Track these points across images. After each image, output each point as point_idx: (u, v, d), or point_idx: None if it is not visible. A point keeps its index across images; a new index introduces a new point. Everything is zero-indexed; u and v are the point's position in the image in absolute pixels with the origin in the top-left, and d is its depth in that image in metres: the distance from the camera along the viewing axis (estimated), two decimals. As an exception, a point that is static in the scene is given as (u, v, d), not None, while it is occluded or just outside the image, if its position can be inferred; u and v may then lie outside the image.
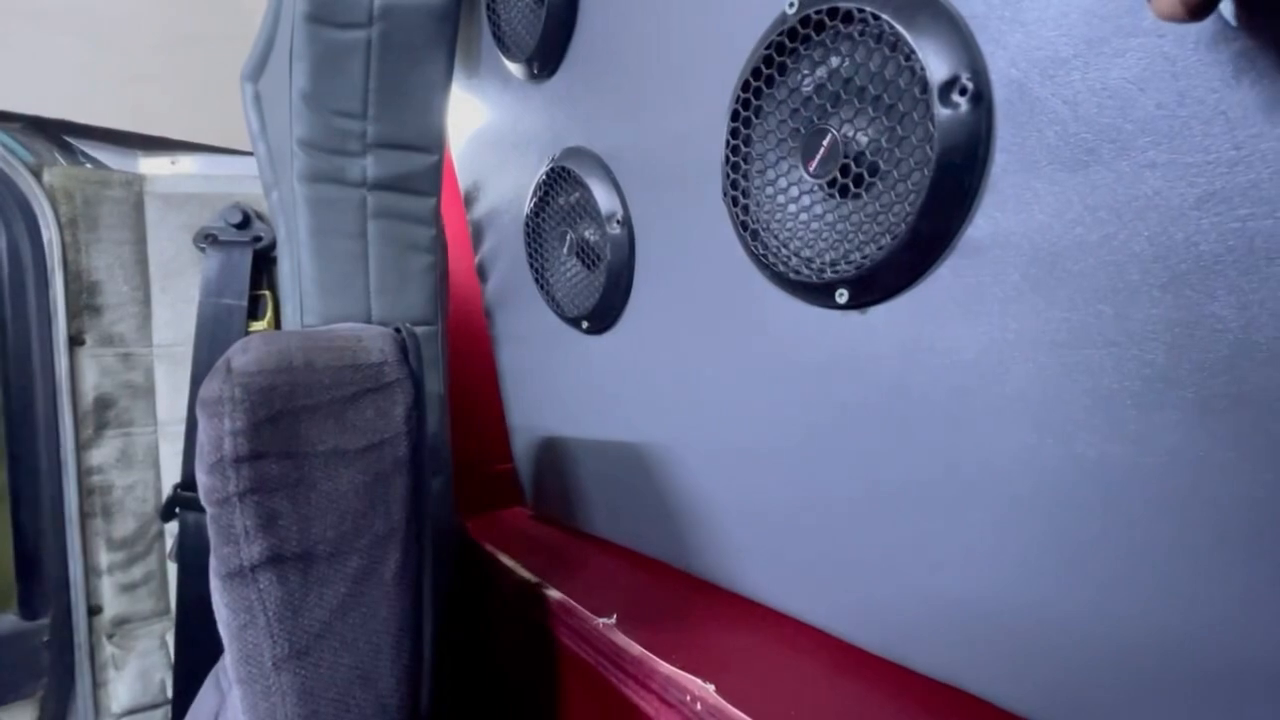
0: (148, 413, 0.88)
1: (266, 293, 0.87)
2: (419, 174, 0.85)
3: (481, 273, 0.94)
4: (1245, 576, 0.29)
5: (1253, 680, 0.29)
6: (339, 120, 0.78)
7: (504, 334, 0.91)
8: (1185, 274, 0.29)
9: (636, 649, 0.55)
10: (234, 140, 0.90)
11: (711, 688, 0.47)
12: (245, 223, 0.86)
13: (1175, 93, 0.29)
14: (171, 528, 0.88)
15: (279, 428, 0.44)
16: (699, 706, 0.47)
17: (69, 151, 0.86)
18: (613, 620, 0.60)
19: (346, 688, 0.44)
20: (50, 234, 0.80)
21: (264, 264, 0.87)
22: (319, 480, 0.45)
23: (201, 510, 0.85)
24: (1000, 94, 0.35)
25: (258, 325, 0.87)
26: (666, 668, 0.51)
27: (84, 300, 0.83)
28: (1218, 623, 0.30)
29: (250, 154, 0.85)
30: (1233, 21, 0.26)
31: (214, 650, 0.87)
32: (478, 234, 0.93)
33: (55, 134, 0.85)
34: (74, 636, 0.83)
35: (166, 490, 0.89)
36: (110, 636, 0.86)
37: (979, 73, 0.35)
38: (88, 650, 0.84)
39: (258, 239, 0.86)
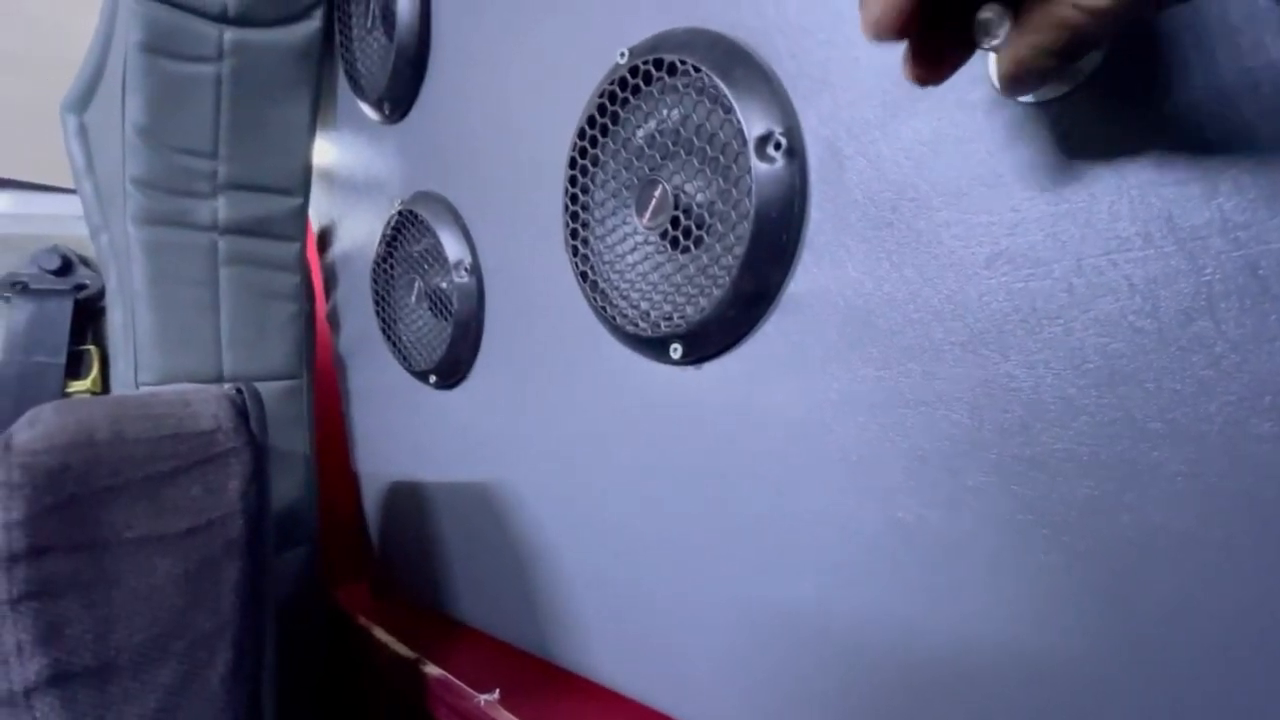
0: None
1: (91, 348, 0.77)
2: (280, 217, 0.79)
3: (332, 321, 0.88)
4: (1066, 649, 0.28)
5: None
6: (184, 159, 0.72)
7: (353, 387, 0.85)
8: (981, 333, 0.29)
9: (519, 725, 0.49)
10: (51, 175, 0.81)
11: None
12: (65, 268, 0.76)
13: (960, 155, 0.29)
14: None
15: (73, 515, 0.36)
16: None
17: None
18: (495, 696, 0.55)
19: None
20: None
21: (88, 316, 0.77)
22: (124, 575, 0.38)
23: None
24: (813, 151, 0.35)
25: (79, 385, 0.76)
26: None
27: None
28: (1040, 684, 0.29)
29: (72, 191, 0.76)
30: (998, 88, 0.27)
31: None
32: (329, 280, 0.87)
33: None
34: None
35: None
36: None
37: (793, 129, 0.35)
38: None
39: (81, 287, 0.76)
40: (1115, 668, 0.26)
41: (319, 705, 0.84)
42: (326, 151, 0.81)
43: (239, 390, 0.52)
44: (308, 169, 0.79)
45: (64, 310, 0.76)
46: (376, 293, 0.70)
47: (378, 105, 0.68)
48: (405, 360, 0.68)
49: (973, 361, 0.29)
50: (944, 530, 0.31)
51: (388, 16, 0.64)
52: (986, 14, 0.22)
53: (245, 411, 0.50)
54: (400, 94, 0.64)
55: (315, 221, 0.87)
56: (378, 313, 0.70)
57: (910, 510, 0.32)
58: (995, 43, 0.22)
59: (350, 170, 0.77)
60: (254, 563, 0.46)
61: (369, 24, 0.67)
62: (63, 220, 0.78)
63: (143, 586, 0.40)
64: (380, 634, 0.76)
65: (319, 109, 0.78)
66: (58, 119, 0.74)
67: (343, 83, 0.74)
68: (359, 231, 0.77)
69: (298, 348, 0.82)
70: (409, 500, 0.75)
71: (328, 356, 0.91)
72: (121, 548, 0.40)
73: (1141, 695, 0.26)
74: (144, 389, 0.70)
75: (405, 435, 0.74)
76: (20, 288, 0.75)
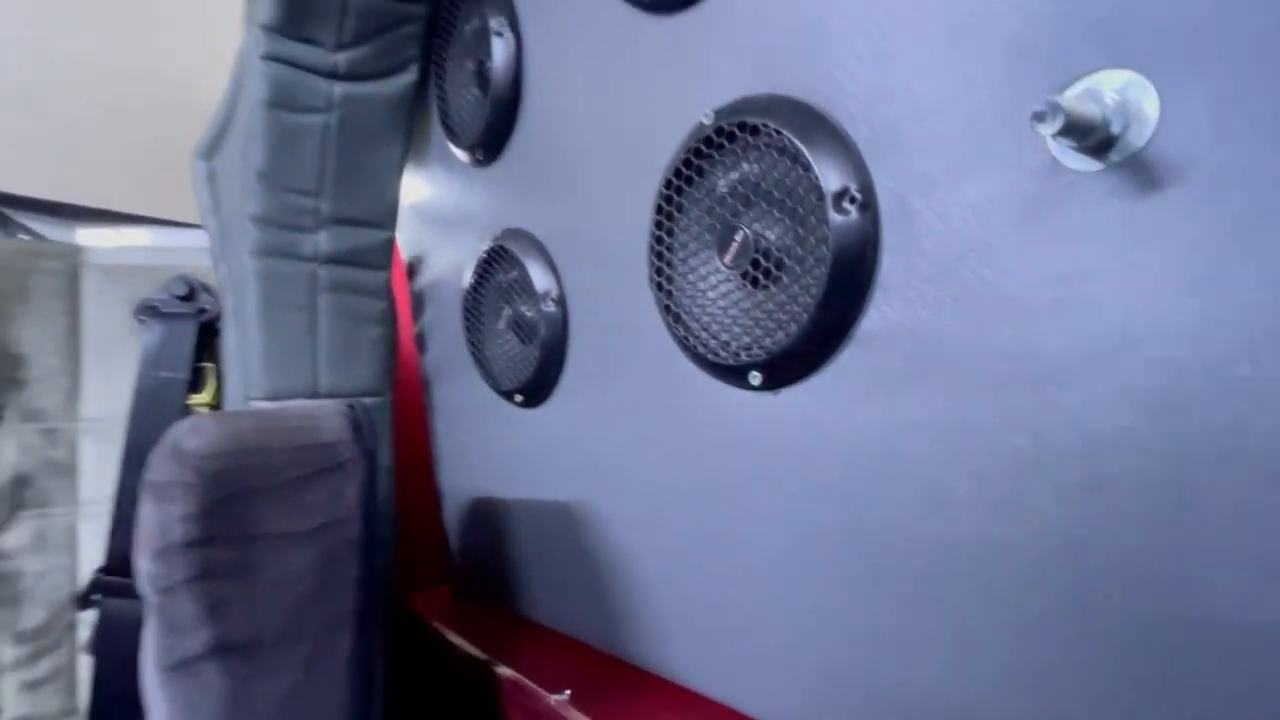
0: (68, 492, 0.84)
1: (209, 365, 0.86)
2: (371, 249, 0.86)
3: (420, 343, 0.95)
4: (1119, 671, 0.31)
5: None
6: (293, 198, 0.80)
7: (439, 404, 0.91)
8: (1042, 369, 0.33)
9: (592, 724, 0.54)
10: (180, 213, 0.91)
11: None
12: (190, 295, 0.85)
13: (1022, 213, 0.33)
14: (87, 617, 0.82)
15: (230, 511, 0.43)
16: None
17: (5, 223, 0.85)
18: (565, 697, 0.59)
19: None
20: (-25, 307, 0.78)
21: (207, 337, 0.87)
22: (269, 564, 0.44)
23: (125, 597, 0.81)
24: (885, 204, 0.39)
25: (198, 399, 0.85)
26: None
27: (8, 374, 0.80)
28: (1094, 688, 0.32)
29: (197, 227, 0.85)
30: (1060, 159, 0.31)
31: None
32: (418, 306, 0.94)
33: (-7, 205, 0.84)
34: (-32, 741, 0.76)
35: (83, 575, 0.84)
36: (7, 742, 0.79)
37: (866, 186, 0.40)
38: (-17, 756, 0.77)
39: (203, 311, 0.86)
40: (1168, 677, 0.29)
41: (393, 707, 0.89)
42: (418, 189, 0.89)
43: (351, 407, 0.59)
44: (396, 204, 0.87)
45: (189, 332, 0.85)
46: (467, 318, 0.77)
47: (470, 150, 0.75)
48: (492, 380, 0.74)
49: (1034, 394, 0.33)
50: (1005, 543, 0.34)
51: (483, 73, 0.71)
52: (1040, 106, 0.26)
53: (360, 426, 0.57)
54: (492, 141, 0.71)
55: (404, 252, 0.95)
56: (468, 337, 0.77)
57: (974, 525, 0.35)
58: (1050, 131, 0.26)
59: (441, 207, 0.85)
60: (368, 560, 0.53)
61: (464, 79, 0.74)
62: (189, 252, 0.88)
63: (281, 576, 0.47)
64: (454, 637, 0.82)
65: (410, 150, 0.87)
66: (189, 165, 0.84)
67: (435, 127, 0.82)
68: (448, 262, 0.84)
69: (383, 367, 0.90)
70: (491, 510, 0.81)
71: (405, 375, 0.98)
72: (265, 541, 0.47)
73: (1203, 697, 0.29)
74: (276, 404, 0.78)
75: (489, 449, 0.80)
76: (153, 311, 0.85)
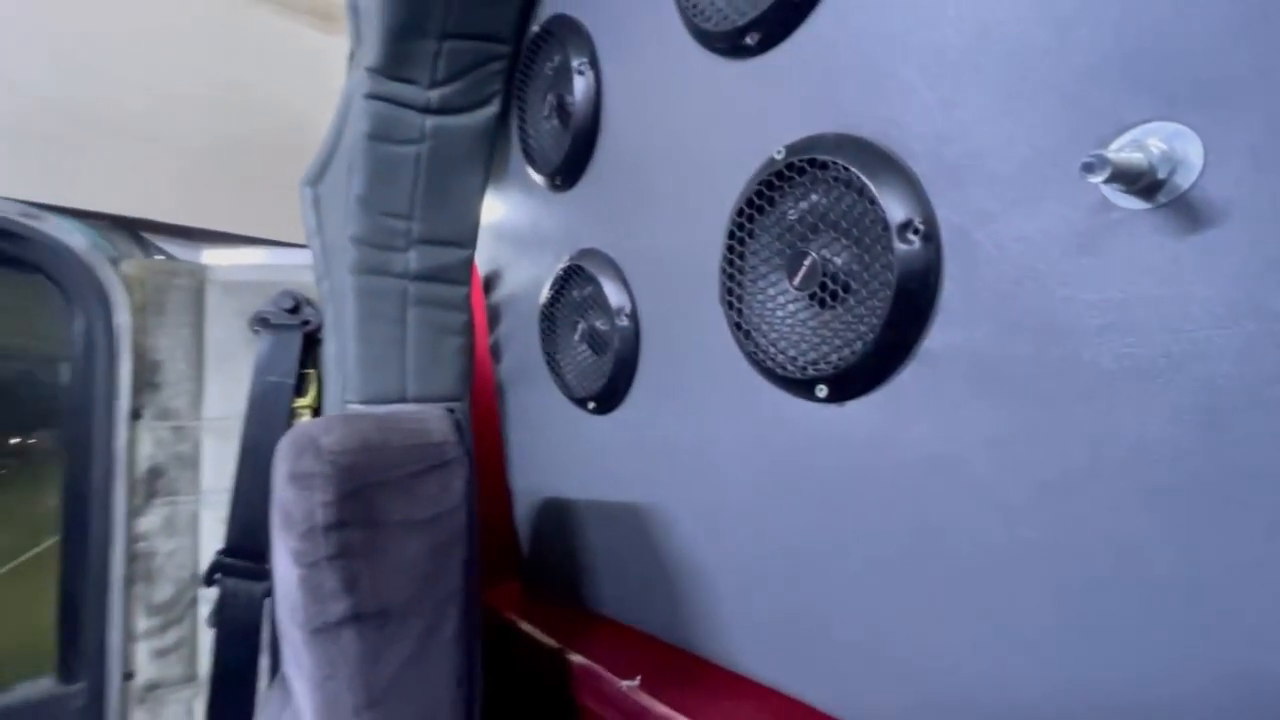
0: (192, 482, 0.95)
1: (312, 371, 0.96)
2: (455, 266, 0.94)
3: (495, 352, 1.02)
4: (1177, 671, 0.34)
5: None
6: (388, 220, 0.89)
7: (513, 410, 0.98)
8: (1093, 387, 0.36)
9: (661, 708, 0.58)
10: (289, 234, 1.01)
11: None
12: (296, 308, 0.95)
13: (1074, 246, 0.37)
14: (208, 594, 0.93)
15: (360, 500, 0.50)
16: (707, 766, 0.51)
17: (143, 245, 0.97)
18: (636, 683, 0.64)
19: None
20: (122, 318, 0.89)
21: (310, 346, 0.96)
22: (391, 547, 0.51)
23: (241, 577, 0.91)
24: (946, 235, 0.43)
25: (302, 401, 0.95)
26: (688, 726, 0.55)
27: (146, 378, 0.91)
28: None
29: (303, 246, 0.95)
30: (1110, 199, 0.35)
31: (245, 714, 0.91)
32: (494, 318, 1.02)
33: (133, 230, 0.96)
34: (107, 702, 0.87)
35: (204, 556, 0.95)
36: (141, 702, 0.89)
37: (929, 218, 0.44)
38: (119, 715, 0.87)
39: (306, 323, 0.95)
40: (1213, 674, 0.32)
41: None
42: (496, 210, 0.97)
43: (451, 410, 0.65)
44: (478, 225, 0.95)
45: (294, 341, 0.95)
46: (544, 330, 0.83)
47: (549, 177, 0.82)
48: (566, 388, 0.80)
49: (1087, 409, 0.37)
50: (1062, 547, 0.38)
51: (563, 106, 0.78)
52: (1089, 159, 0.30)
53: (461, 427, 0.64)
54: (571, 168, 0.78)
55: (481, 268, 1.03)
56: (544, 347, 0.84)
57: (1031, 528, 0.39)
58: (1098, 180, 0.30)
59: (519, 228, 0.92)
60: (471, 547, 0.59)
61: (545, 112, 0.81)
62: (296, 269, 0.98)
63: (401, 558, 0.54)
64: (527, 627, 0.87)
65: (490, 175, 0.94)
66: (297, 191, 0.94)
67: (515, 154, 0.89)
68: (525, 278, 0.91)
69: (463, 374, 0.97)
70: (561, 509, 0.87)
71: (481, 382, 1.05)
72: (388, 527, 0.53)
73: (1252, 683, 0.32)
74: (387, 408, 0.86)
75: (562, 452, 0.86)
76: (264, 323, 0.95)
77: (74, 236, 0.88)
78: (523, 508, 0.99)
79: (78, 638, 0.89)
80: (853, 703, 0.52)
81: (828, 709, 0.54)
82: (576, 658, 0.75)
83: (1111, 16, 0.34)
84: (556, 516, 0.91)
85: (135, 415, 0.91)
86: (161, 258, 0.96)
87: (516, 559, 1.02)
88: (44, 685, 0.90)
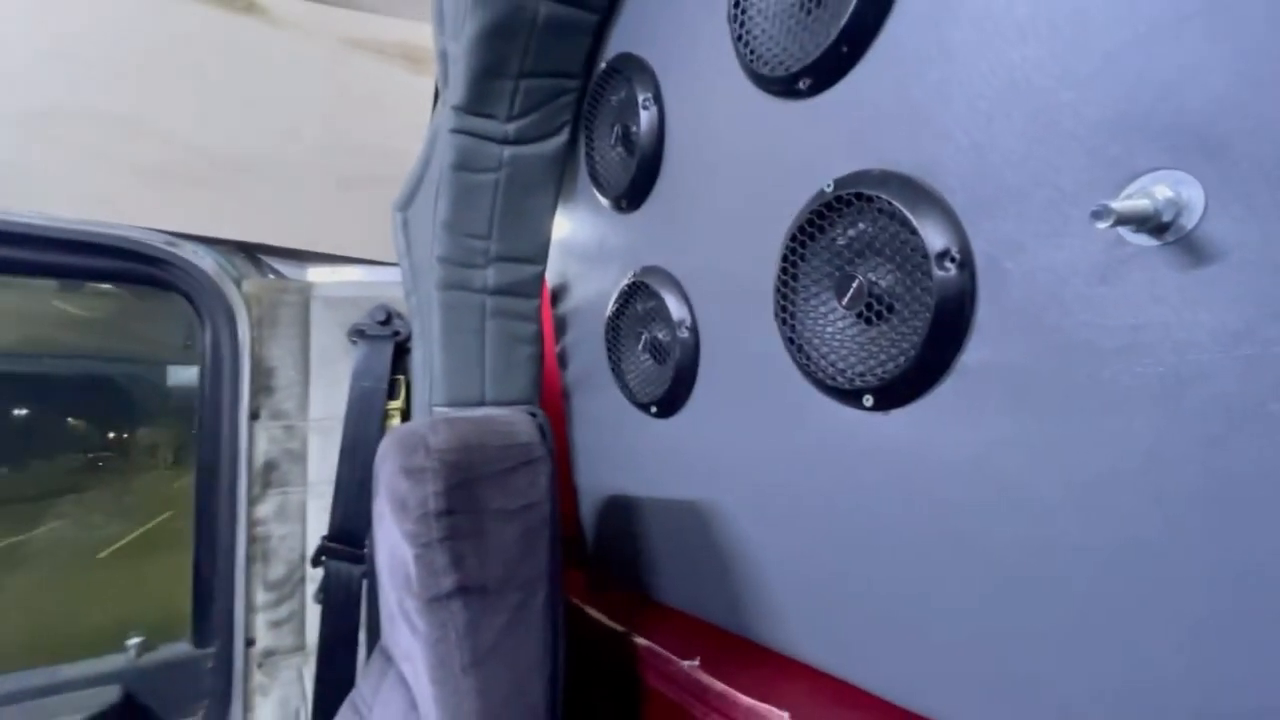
0: (300, 475, 1.07)
1: (401, 377, 1.07)
2: (527, 281, 1.03)
3: (562, 360, 1.11)
4: (1198, 662, 0.39)
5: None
6: (469, 241, 0.98)
7: (579, 413, 1.06)
8: (1115, 401, 0.41)
9: (720, 686, 0.65)
10: (382, 254, 1.13)
11: (786, 715, 0.57)
12: (388, 320, 1.07)
13: (1094, 275, 0.42)
14: (314, 574, 1.05)
15: (463, 491, 0.59)
16: (770, 731, 0.57)
17: (259, 265, 1.10)
18: (696, 663, 0.71)
19: (509, 693, 0.57)
20: (244, 331, 1.02)
21: (399, 354, 1.07)
22: (489, 532, 0.60)
23: (343, 560, 1.03)
24: (980, 263, 0.48)
25: (394, 404, 1.06)
26: (747, 700, 0.61)
27: (262, 383, 1.05)
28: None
29: (394, 265, 1.06)
30: (1124, 236, 0.40)
31: (347, 680, 1.02)
32: (560, 328, 1.10)
33: (250, 253, 1.10)
34: (233, 664, 1.00)
35: (310, 541, 1.07)
36: (260, 666, 1.03)
37: (965, 248, 0.49)
38: (242, 677, 1.00)
39: (397, 333, 1.07)
40: (1236, 660, 0.37)
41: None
42: (564, 229, 1.05)
43: (534, 414, 0.74)
44: (549, 243, 1.04)
45: (387, 350, 1.06)
46: (609, 340, 0.91)
47: (615, 201, 0.89)
48: (629, 393, 0.88)
49: (1110, 421, 0.41)
50: (1088, 546, 0.43)
51: (628, 136, 0.85)
52: (1096, 207, 0.35)
53: (544, 430, 0.72)
54: (635, 193, 0.85)
55: (550, 281, 1.12)
56: (609, 355, 0.91)
57: (1061, 529, 0.44)
58: (1104, 226, 0.35)
59: (585, 246, 1.00)
60: (554, 534, 0.67)
61: (612, 141, 0.89)
62: (388, 286, 1.09)
63: (498, 542, 0.62)
64: (593, 612, 0.95)
65: (560, 197, 1.03)
66: (389, 216, 1.05)
67: (583, 178, 0.98)
68: (591, 292, 0.99)
69: (533, 380, 1.06)
70: (624, 505, 0.95)
71: (548, 386, 1.14)
72: (486, 515, 0.62)
73: None
74: (483, 411, 0.96)
75: (624, 453, 0.94)
76: (361, 334, 1.07)
77: (206, 260, 1.01)
78: (587, 503, 1.07)
79: (209, 608, 1.03)
80: (893, 683, 0.58)
81: (872, 688, 0.60)
82: (640, 640, 0.83)
83: (1126, 79, 0.39)
84: (619, 511, 0.99)
85: (254, 415, 1.04)
86: (274, 277, 1.10)
87: (579, 550, 1.11)
88: (182, 648, 1.04)
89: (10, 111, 0.89)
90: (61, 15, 0.92)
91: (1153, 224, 0.37)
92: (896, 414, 0.55)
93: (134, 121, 0.96)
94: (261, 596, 1.03)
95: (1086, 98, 0.41)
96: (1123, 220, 0.36)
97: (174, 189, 0.98)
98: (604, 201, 0.93)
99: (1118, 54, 0.40)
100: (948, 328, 0.50)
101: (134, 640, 1.00)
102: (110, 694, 0.94)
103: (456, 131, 0.94)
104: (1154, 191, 0.37)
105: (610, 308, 0.91)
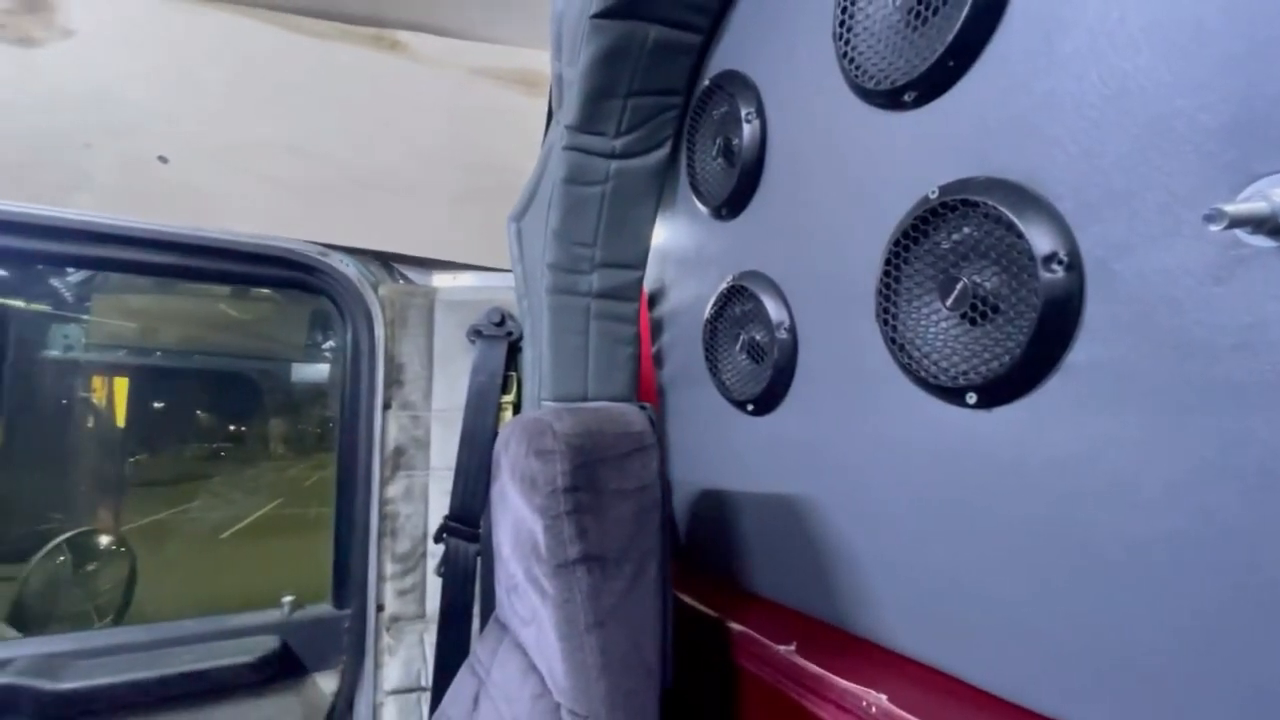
0: (424, 460, 1.19)
1: (513, 374, 1.17)
2: (628, 285, 1.10)
3: (658, 359, 1.17)
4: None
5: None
6: (577, 249, 1.06)
7: (674, 410, 1.12)
8: (1227, 397, 0.42)
9: (815, 668, 0.69)
10: (497, 261, 1.24)
11: (884, 697, 0.60)
12: (502, 321, 1.17)
13: (1207, 275, 0.43)
14: (434, 549, 1.17)
15: (587, 471, 0.66)
16: (874, 710, 0.60)
17: (391, 271, 1.24)
18: (793, 647, 0.74)
19: (627, 651, 0.64)
20: (379, 330, 1.15)
21: (512, 353, 1.17)
22: (608, 509, 0.67)
23: (461, 538, 1.13)
24: (1089, 265, 0.50)
25: (507, 398, 1.16)
26: (843, 682, 0.65)
27: (393, 377, 1.17)
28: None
29: (508, 271, 1.15)
30: (1240, 237, 0.41)
31: (462, 647, 1.13)
32: (657, 329, 1.16)
33: (385, 261, 1.23)
34: (366, 626, 1.13)
35: (431, 520, 1.19)
36: (388, 629, 1.15)
37: (1072, 250, 0.51)
38: (374, 638, 1.13)
39: (510, 334, 1.17)
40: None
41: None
42: (663, 236, 1.12)
43: (643, 408, 0.80)
44: (648, 249, 1.10)
45: (501, 349, 1.16)
46: (706, 340, 0.96)
47: (715, 210, 0.95)
48: (726, 392, 0.93)
49: (1221, 416, 0.43)
50: (1196, 534, 0.44)
51: (729, 148, 0.91)
52: (1209, 211, 0.37)
53: (653, 421, 0.78)
54: (736, 201, 0.90)
55: (648, 286, 1.18)
56: (705, 355, 0.97)
57: (1163, 520, 0.45)
58: (1217, 229, 0.37)
59: (684, 252, 1.06)
60: (664, 514, 0.73)
61: (714, 153, 0.95)
62: (502, 290, 1.20)
63: (616, 517, 0.69)
64: (688, 599, 1.00)
65: (660, 206, 1.09)
66: (504, 226, 1.15)
67: (683, 188, 1.04)
68: (688, 295, 1.05)
69: (632, 378, 1.13)
70: (719, 498, 1.00)
71: (644, 384, 1.20)
72: (606, 493, 0.69)
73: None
74: (596, 404, 1.04)
75: (720, 448, 0.99)
76: (478, 334, 1.18)
77: (349, 268, 1.15)
78: (681, 496, 1.12)
79: (347, 576, 1.16)
80: (1000, 677, 0.59)
81: (977, 681, 0.62)
82: (736, 625, 0.87)
83: (1242, 86, 0.41)
84: (712, 503, 1.04)
85: (386, 406, 1.17)
86: (403, 282, 1.23)
87: (673, 540, 1.16)
88: (324, 609, 1.18)
89: (209, 146, 1.07)
90: (244, 59, 1.08)
91: (1270, 225, 0.38)
92: (1000, 411, 0.57)
93: (296, 148, 1.11)
94: (390, 567, 1.15)
95: (1201, 104, 0.43)
96: (1237, 222, 0.38)
97: (324, 205, 1.13)
98: (704, 210, 0.99)
99: (1234, 62, 0.41)
100: (1054, 327, 0.51)
101: (287, 598, 1.15)
102: (271, 642, 1.09)
103: (569, 149, 1.02)
104: (1271, 194, 0.38)
105: (708, 310, 0.96)
